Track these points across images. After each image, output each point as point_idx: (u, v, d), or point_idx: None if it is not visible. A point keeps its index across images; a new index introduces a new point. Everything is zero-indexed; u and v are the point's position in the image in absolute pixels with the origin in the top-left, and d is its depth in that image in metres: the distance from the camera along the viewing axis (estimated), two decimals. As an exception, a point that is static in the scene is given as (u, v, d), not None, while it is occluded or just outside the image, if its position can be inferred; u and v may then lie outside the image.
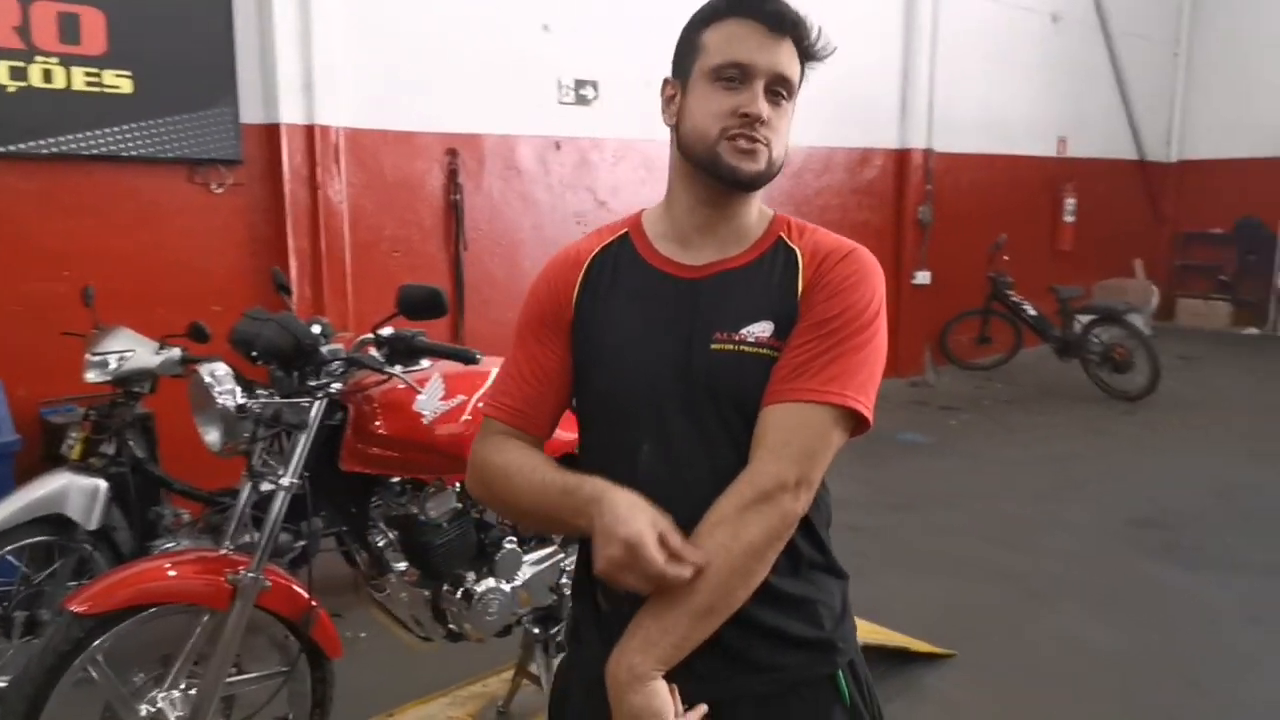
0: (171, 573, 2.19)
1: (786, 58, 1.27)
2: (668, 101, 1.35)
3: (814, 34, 1.30)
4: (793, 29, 1.27)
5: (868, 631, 3.08)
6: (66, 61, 3.96)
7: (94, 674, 2.14)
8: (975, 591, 4.02)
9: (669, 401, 1.29)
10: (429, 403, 2.35)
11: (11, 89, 3.85)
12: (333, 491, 2.40)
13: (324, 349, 2.29)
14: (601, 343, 1.34)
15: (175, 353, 3.23)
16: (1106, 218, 10.03)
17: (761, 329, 1.28)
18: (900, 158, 8.02)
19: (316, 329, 2.32)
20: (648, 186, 6.19)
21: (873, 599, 3.12)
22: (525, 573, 2.58)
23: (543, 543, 2.68)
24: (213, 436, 2.25)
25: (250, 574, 2.16)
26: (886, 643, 3.27)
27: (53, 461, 3.36)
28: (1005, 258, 8.02)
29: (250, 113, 4.53)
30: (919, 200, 8.07)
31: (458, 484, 2.49)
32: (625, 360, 1.32)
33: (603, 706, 1.23)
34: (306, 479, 2.23)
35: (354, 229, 4.92)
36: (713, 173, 1.28)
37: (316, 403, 2.24)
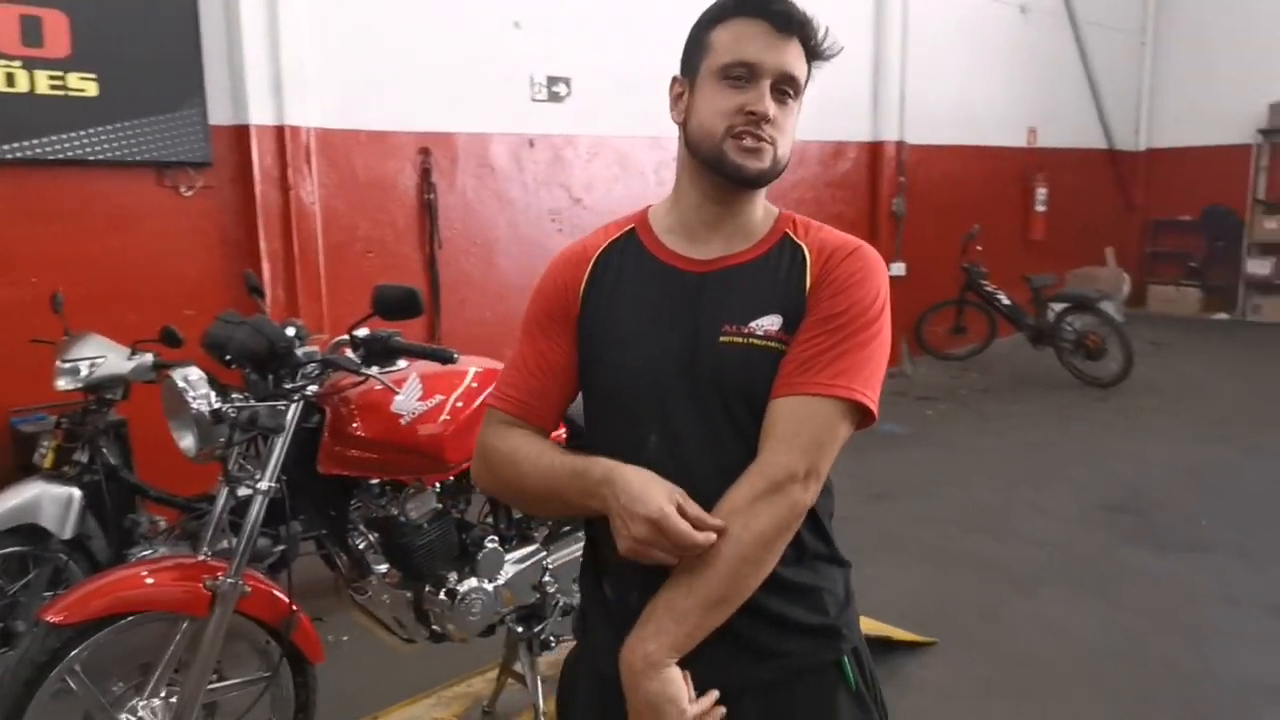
0: (149, 580, 2.17)
1: (793, 57, 1.29)
2: (676, 99, 1.37)
3: (821, 34, 1.32)
4: (800, 29, 1.30)
5: (850, 622, 3.09)
6: (29, 65, 3.89)
7: (72, 684, 2.12)
8: (954, 579, 4.06)
9: (676, 394, 1.30)
10: (407, 403, 2.34)
11: (-26, 94, 3.79)
12: (311, 495, 2.39)
13: (299, 351, 2.28)
14: (608, 336, 1.36)
15: (147, 358, 3.20)
16: (1077, 207, 10.13)
17: (770, 322, 1.30)
18: (873, 150, 8.05)
19: (291, 331, 2.31)
20: (621, 183, 6.19)
21: (853, 588, 3.14)
22: (508, 571, 2.58)
23: (524, 541, 2.68)
24: (188, 442, 2.22)
25: (229, 579, 2.14)
26: (868, 632, 3.27)
27: (24, 471, 3.32)
28: (979, 248, 8.07)
29: (219, 114, 4.48)
30: (893, 192, 8.12)
31: (437, 484, 2.48)
32: (632, 353, 1.34)
33: (613, 695, 1.25)
34: (284, 482, 2.22)
35: (327, 230, 4.89)
36: (719, 170, 1.30)
37: (293, 405, 2.22)
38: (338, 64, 4.88)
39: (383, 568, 2.47)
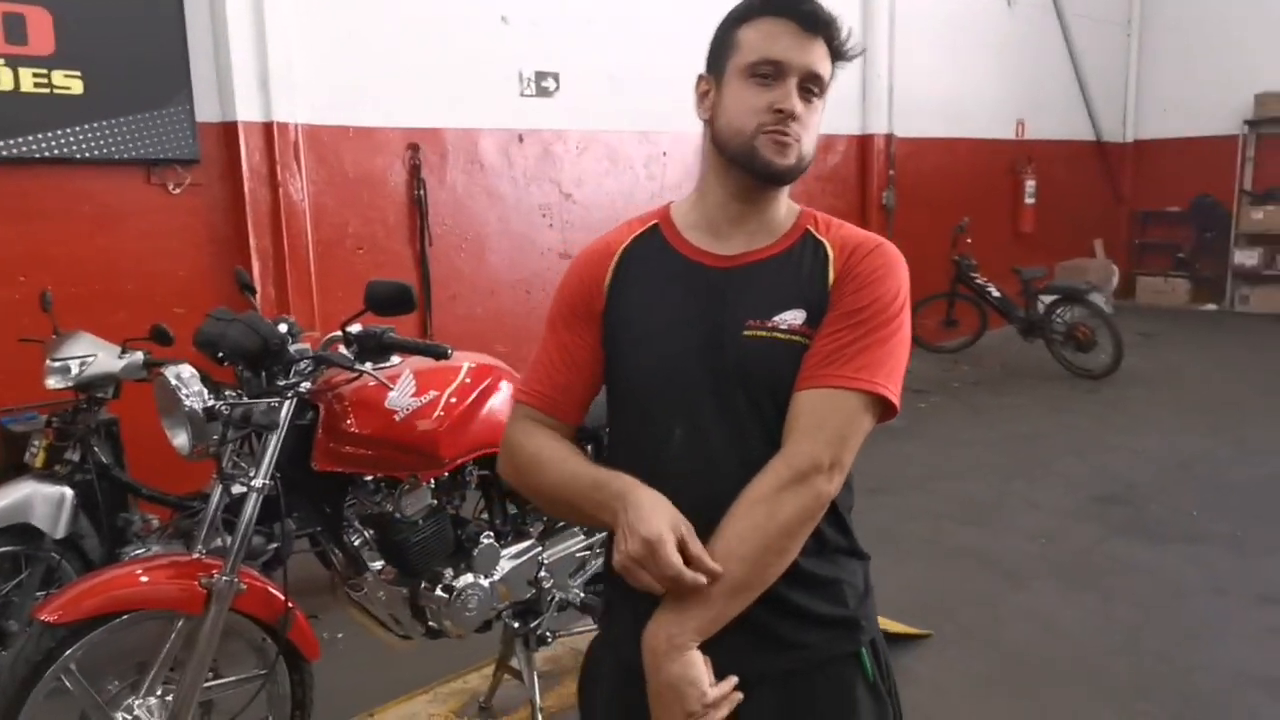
0: (144, 578, 2.16)
1: (819, 56, 1.31)
2: (702, 97, 1.39)
3: (844, 34, 1.34)
4: (825, 29, 1.31)
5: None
6: (13, 62, 3.86)
7: (68, 684, 2.11)
8: (948, 571, 4.08)
9: (700, 388, 1.32)
10: (401, 399, 2.33)
11: (-42, 91, 3.76)
12: (306, 492, 2.38)
13: (292, 348, 2.27)
14: (633, 331, 1.38)
15: (138, 356, 3.18)
16: (1066, 199, 10.16)
17: (794, 316, 1.32)
18: (863, 143, 8.06)
19: (283, 328, 2.30)
20: (611, 178, 6.17)
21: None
22: (504, 567, 2.57)
23: (520, 537, 2.67)
24: (181, 440, 2.21)
25: (224, 577, 2.14)
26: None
27: (15, 470, 3.30)
28: (969, 241, 8.09)
29: (206, 111, 4.45)
30: (882, 185, 8.12)
31: (432, 480, 2.47)
32: (657, 348, 1.35)
33: (634, 683, 1.26)
34: (278, 480, 2.21)
35: (317, 227, 4.87)
36: (748, 167, 1.32)
37: (286, 402, 2.21)
38: (325, 60, 4.85)
39: (378, 564, 2.46)
